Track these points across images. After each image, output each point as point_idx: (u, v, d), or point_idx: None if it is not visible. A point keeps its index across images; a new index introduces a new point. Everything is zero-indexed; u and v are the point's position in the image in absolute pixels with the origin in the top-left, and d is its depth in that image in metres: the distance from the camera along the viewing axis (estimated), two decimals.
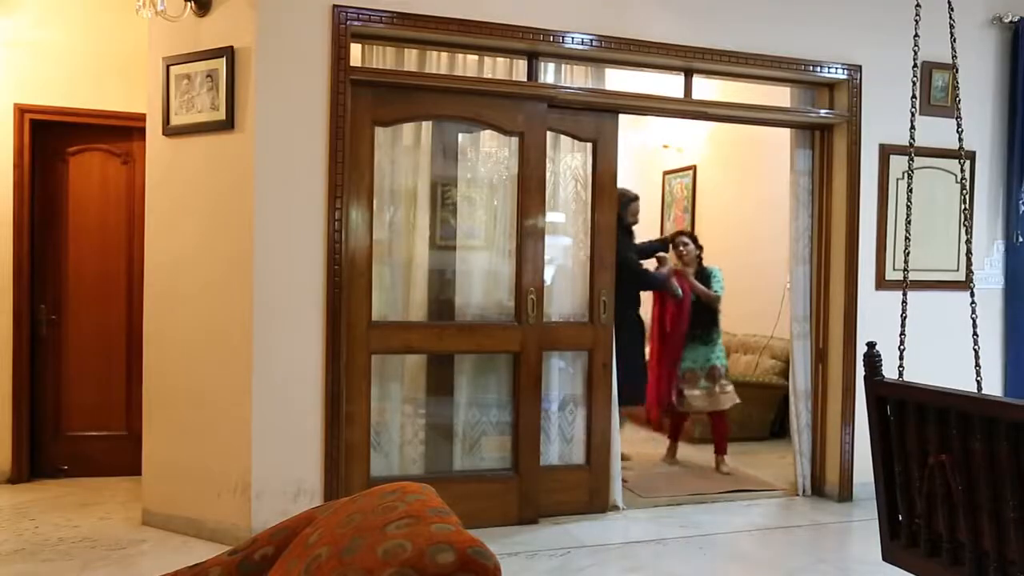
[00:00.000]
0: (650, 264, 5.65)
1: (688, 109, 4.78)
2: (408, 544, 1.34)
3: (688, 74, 4.66)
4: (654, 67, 4.64)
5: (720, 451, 5.54)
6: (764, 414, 6.52)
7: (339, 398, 3.99)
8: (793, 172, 5.06)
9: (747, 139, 6.94)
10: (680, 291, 5.49)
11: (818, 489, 4.99)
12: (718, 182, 7.73)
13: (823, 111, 4.91)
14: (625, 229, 5.22)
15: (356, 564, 1.37)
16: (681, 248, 5.68)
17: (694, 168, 8.00)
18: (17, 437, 4.91)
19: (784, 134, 5.20)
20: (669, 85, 4.76)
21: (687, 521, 4.49)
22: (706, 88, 4.91)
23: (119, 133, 5.04)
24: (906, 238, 3.03)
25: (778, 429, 6.45)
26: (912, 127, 3.03)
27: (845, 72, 4.81)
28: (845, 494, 4.86)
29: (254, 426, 3.89)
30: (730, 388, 5.56)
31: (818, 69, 4.76)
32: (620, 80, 4.72)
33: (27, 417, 4.95)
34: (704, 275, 5.59)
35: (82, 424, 5.08)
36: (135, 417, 4.60)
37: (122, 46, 4.83)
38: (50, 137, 5.00)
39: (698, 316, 5.52)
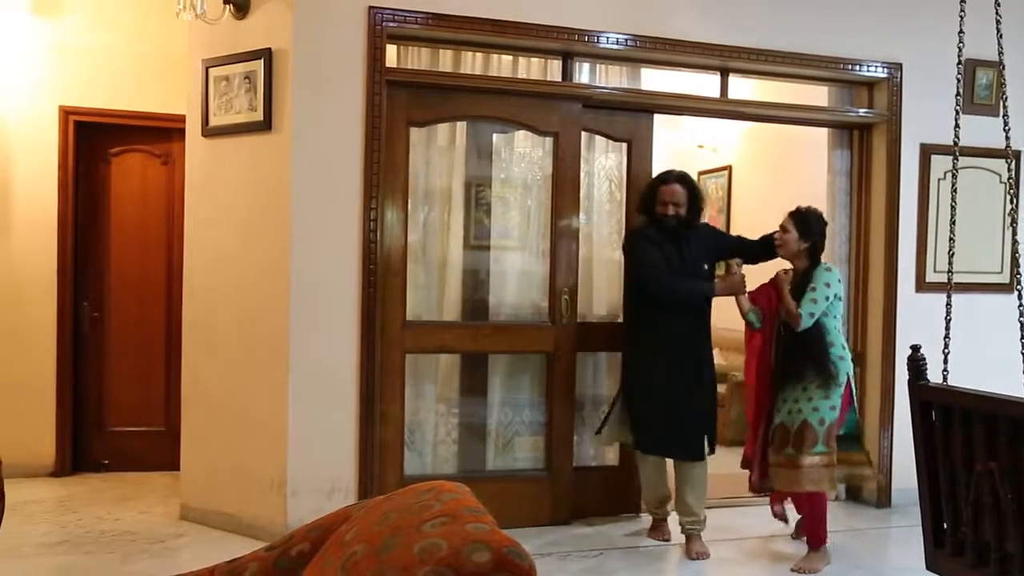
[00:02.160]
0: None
1: (724, 109, 4.74)
2: (444, 543, 1.34)
3: (724, 73, 4.62)
4: (690, 67, 4.61)
5: (807, 539, 3.92)
6: None
7: (373, 397, 4.01)
8: (830, 172, 4.98)
9: (783, 139, 6.85)
10: (756, 318, 3.94)
11: (855, 494, 4.91)
12: (753, 182, 7.65)
13: (862, 110, 4.84)
14: (659, 223, 3.96)
15: (392, 562, 1.37)
16: (776, 235, 3.93)
17: (729, 168, 7.92)
18: (61, 432, 5.02)
19: (821, 134, 5.13)
20: (705, 84, 4.72)
21: (720, 524, 4.44)
22: (742, 87, 4.87)
23: (159, 134, 5.13)
24: (950, 239, 2.97)
25: None
26: (956, 126, 2.97)
27: (885, 70, 4.73)
28: (883, 500, 4.78)
29: (290, 424, 3.93)
30: (816, 460, 3.69)
31: (857, 68, 4.69)
32: (655, 80, 4.69)
33: (70, 412, 5.06)
34: (807, 279, 3.82)
35: (123, 420, 5.18)
36: (174, 414, 4.67)
37: (163, 49, 4.91)
38: (93, 138, 5.10)
39: (792, 345, 3.80)
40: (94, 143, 5.12)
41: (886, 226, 4.78)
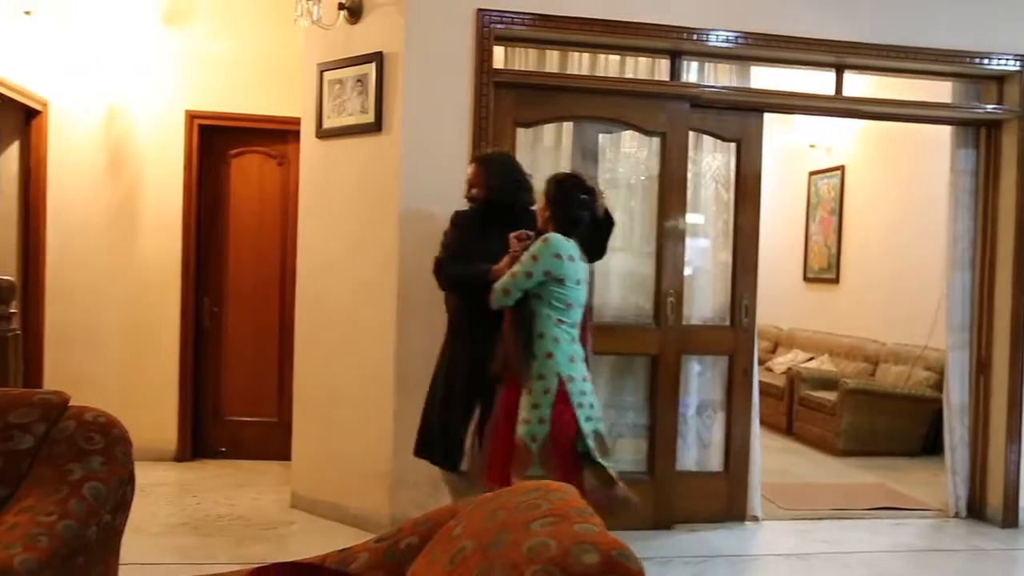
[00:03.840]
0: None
1: (839, 107, 4.59)
2: (552, 543, 1.35)
3: (839, 70, 4.46)
4: (802, 64, 4.46)
5: None
6: (916, 428, 6.15)
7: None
8: (953, 172, 4.74)
9: (899, 137, 6.56)
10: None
11: (977, 512, 4.65)
12: (868, 183, 7.35)
13: (990, 106, 4.58)
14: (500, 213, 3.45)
15: (501, 559, 1.39)
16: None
17: (842, 168, 7.64)
18: (183, 419, 5.31)
19: (941, 132, 4.88)
20: (818, 82, 4.57)
21: (829, 536, 4.29)
22: (858, 84, 4.68)
23: (275, 136, 5.34)
24: None
25: (931, 445, 6.06)
26: None
27: (1016, 63, 4.46)
28: (1010, 519, 4.50)
29: (395, 421, 4.02)
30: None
31: (984, 61, 4.44)
32: (766, 78, 4.57)
33: (191, 401, 5.35)
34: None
35: (239, 410, 5.43)
36: (286, 406, 4.86)
37: (279, 54, 5.12)
38: (214, 140, 5.36)
39: (511, 330, 3.17)
40: (215, 145, 5.38)
41: (1016, 228, 4.50)
